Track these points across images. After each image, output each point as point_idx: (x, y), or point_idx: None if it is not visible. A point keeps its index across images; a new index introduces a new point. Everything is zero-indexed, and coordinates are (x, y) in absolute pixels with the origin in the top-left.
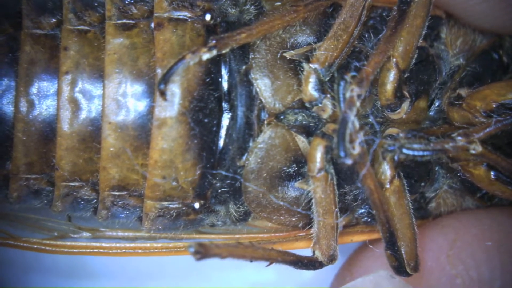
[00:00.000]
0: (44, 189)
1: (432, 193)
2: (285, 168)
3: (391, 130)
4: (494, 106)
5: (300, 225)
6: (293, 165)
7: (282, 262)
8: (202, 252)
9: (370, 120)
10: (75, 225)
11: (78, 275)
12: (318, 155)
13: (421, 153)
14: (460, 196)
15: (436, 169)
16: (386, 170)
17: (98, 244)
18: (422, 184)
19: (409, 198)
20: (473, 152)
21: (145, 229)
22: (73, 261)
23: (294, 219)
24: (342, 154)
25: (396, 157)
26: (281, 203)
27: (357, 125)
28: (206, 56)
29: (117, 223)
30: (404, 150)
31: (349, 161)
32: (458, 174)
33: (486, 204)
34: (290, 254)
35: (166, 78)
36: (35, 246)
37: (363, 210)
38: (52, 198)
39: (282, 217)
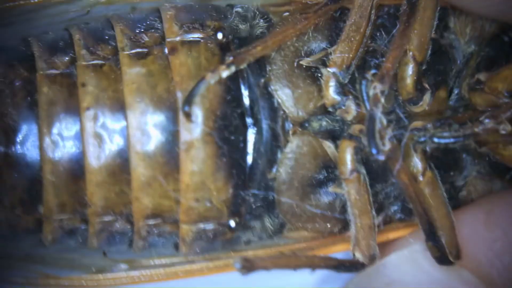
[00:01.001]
0: (78, 228)
1: (462, 181)
2: (315, 175)
3: (416, 123)
4: None
5: (336, 230)
6: (323, 171)
7: (325, 267)
8: (248, 267)
9: (394, 116)
10: (111, 259)
11: None
12: (348, 157)
13: (452, 140)
14: (489, 181)
15: (464, 156)
16: (418, 163)
17: (138, 273)
18: (452, 173)
19: (442, 188)
20: (503, 132)
21: (182, 254)
22: None
23: (329, 225)
24: (374, 151)
25: (427, 148)
26: (316, 210)
27: (384, 121)
28: (225, 74)
29: (153, 252)
30: (435, 139)
31: (381, 157)
32: (487, 158)
33: None
34: (331, 259)
35: (189, 100)
36: (76, 283)
37: (396, 207)
38: (87, 236)
39: (317, 224)
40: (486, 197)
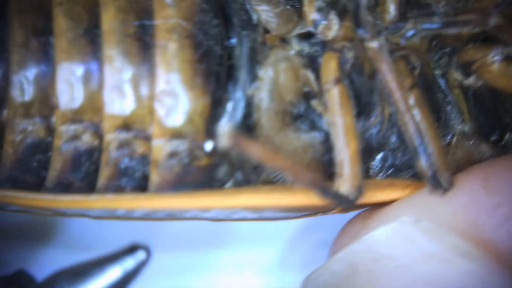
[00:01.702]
0: (42, 140)
1: (445, 141)
2: (296, 102)
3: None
4: None
5: None
6: (303, 101)
7: (310, 184)
8: (235, 141)
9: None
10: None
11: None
12: (332, 65)
13: (441, 26)
14: (475, 145)
15: (448, 108)
16: (405, 75)
17: (99, 196)
18: (435, 123)
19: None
20: (492, 23)
21: (151, 187)
22: None
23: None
24: (361, 31)
25: (416, 38)
26: (296, 143)
27: (370, 17)
28: None
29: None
30: (426, 26)
31: (371, 42)
32: (472, 110)
33: (502, 154)
34: (319, 179)
35: None
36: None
37: (380, 155)
38: (49, 157)
39: None
40: (478, 164)
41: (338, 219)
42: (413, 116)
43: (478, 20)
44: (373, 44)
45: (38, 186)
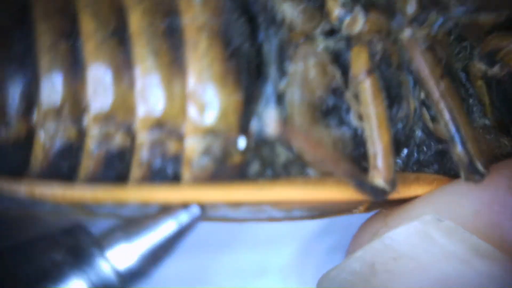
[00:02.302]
0: (73, 143)
1: None
2: (325, 97)
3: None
4: None
5: None
6: (333, 96)
7: (349, 176)
8: (281, 128)
9: None
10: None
11: None
12: (363, 57)
13: (472, 10)
14: (495, 140)
15: (470, 101)
16: (435, 65)
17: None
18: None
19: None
20: None
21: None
22: None
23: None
24: (398, 20)
25: (447, 26)
26: (328, 139)
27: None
28: None
29: None
30: (454, 13)
31: (408, 32)
32: (494, 102)
33: None
34: (357, 171)
35: None
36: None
37: (406, 150)
38: (81, 159)
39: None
40: (504, 162)
41: (353, 222)
42: (448, 103)
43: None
44: (406, 33)
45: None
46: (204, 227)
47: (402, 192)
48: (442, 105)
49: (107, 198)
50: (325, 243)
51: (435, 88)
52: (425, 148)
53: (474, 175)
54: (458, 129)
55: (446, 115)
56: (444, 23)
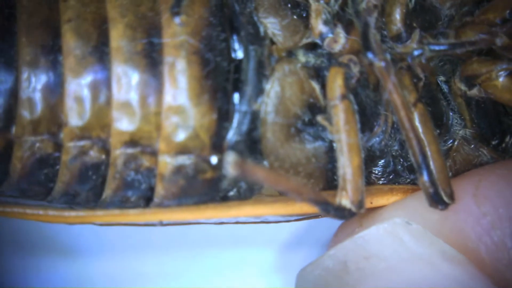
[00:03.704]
0: (50, 155)
1: (447, 146)
2: (301, 114)
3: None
4: (508, 12)
5: (318, 189)
6: (308, 112)
7: (313, 202)
8: (240, 166)
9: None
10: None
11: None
12: (338, 82)
13: (447, 47)
14: (475, 150)
15: (451, 114)
16: (408, 93)
17: (103, 212)
18: (438, 131)
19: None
20: (499, 43)
21: (156, 200)
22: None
23: (311, 180)
24: (370, 55)
25: (423, 59)
26: (301, 155)
27: (378, 36)
28: None
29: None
30: (432, 47)
31: (377, 61)
32: (473, 116)
33: (501, 157)
34: (321, 196)
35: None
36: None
37: (382, 161)
38: (57, 170)
39: (299, 176)
40: (474, 169)
41: (335, 221)
42: (417, 134)
43: (485, 41)
44: (380, 64)
45: (45, 195)
46: (187, 227)
47: (376, 202)
48: (411, 135)
49: (78, 221)
50: (306, 241)
51: (406, 119)
52: (401, 160)
53: (438, 204)
54: (425, 160)
55: (415, 146)
56: (424, 53)
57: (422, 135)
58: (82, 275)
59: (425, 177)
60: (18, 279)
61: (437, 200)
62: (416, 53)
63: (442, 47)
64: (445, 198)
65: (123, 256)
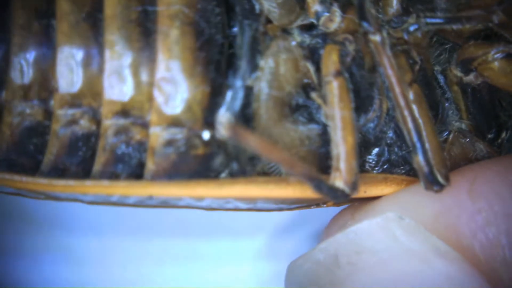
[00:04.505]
0: (40, 123)
1: (442, 137)
2: (295, 94)
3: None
4: None
5: None
6: (303, 93)
7: (305, 177)
8: (234, 131)
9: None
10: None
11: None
12: (333, 58)
13: (444, 21)
14: (471, 143)
15: (446, 105)
16: (406, 70)
17: (93, 182)
18: (433, 121)
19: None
20: (495, 20)
21: (147, 175)
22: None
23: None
24: (366, 24)
25: (419, 33)
26: (294, 135)
27: (374, 11)
28: None
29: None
30: (429, 20)
31: (373, 35)
32: (469, 106)
33: (497, 152)
34: (314, 172)
35: None
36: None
37: (376, 150)
38: (47, 140)
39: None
40: (470, 165)
41: (329, 211)
42: (412, 111)
43: (481, 17)
44: (376, 38)
45: (34, 169)
46: (178, 215)
47: (370, 191)
48: (406, 113)
49: (67, 191)
50: (298, 231)
51: (401, 96)
52: (396, 149)
53: (433, 185)
54: (420, 138)
55: (410, 123)
56: (420, 27)
57: (417, 115)
58: (74, 256)
59: (420, 156)
60: (7, 258)
61: (432, 181)
62: (412, 28)
63: (438, 20)
64: (440, 179)
65: (116, 242)
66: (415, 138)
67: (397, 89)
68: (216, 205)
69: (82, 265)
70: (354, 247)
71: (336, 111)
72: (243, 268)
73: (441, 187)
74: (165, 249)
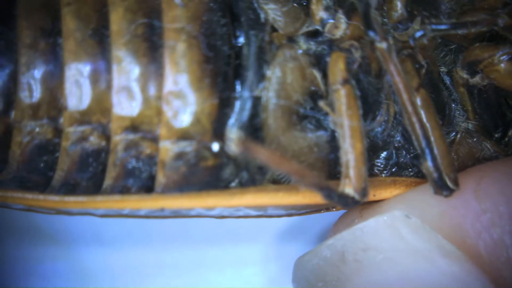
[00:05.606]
0: (50, 141)
1: (450, 138)
2: (303, 101)
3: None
4: None
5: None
6: (310, 100)
7: (314, 187)
8: (244, 146)
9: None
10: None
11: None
12: (340, 66)
13: (450, 27)
14: (478, 143)
15: (453, 106)
16: (412, 75)
17: (103, 198)
18: (440, 122)
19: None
20: (501, 24)
21: (157, 188)
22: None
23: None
24: (371, 33)
25: (425, 40)
26: (303, 143)
27: (379, 18)
28: None
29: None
30: (433, 27)
31: (379, 43)
32: (479, 94)
33: (504, 151)
34: (324, 181)
35: None
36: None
37: (384, 153)
38: (57, 157)
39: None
40: (477, 165)
41: (335, 215)
42: (419, 117)
43: (486, 21)
44: (382, 45)
45: (45, 186)
46: (183, 222)
47: (379, 195)
48: (414, 119)
49: (78, 206)
50: (305, 233)
51: (408, 102)
52: (404, 152)
53: (443, 190)
54: (428, 144)
55: (418, 129)
56: (426, 33)
57: (425, 120)
58: (82, 267)
59: (429, 162)
60: (17, 270)
61: (441, 186)
62: (418, 34)
63: (444, 26)
64: (450, 184)
65: (122, 250)
66: (423, 144)
67: (404, 96)
68: (227, 213)
69: (89, 275)
70: (360, 244)
71: (344, 119)
72: (249, 271)
73: (450, 191)
74: (169, 255)
